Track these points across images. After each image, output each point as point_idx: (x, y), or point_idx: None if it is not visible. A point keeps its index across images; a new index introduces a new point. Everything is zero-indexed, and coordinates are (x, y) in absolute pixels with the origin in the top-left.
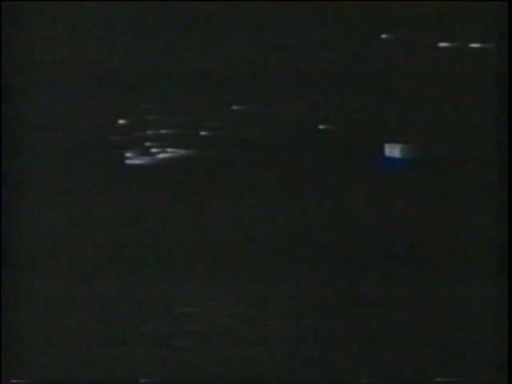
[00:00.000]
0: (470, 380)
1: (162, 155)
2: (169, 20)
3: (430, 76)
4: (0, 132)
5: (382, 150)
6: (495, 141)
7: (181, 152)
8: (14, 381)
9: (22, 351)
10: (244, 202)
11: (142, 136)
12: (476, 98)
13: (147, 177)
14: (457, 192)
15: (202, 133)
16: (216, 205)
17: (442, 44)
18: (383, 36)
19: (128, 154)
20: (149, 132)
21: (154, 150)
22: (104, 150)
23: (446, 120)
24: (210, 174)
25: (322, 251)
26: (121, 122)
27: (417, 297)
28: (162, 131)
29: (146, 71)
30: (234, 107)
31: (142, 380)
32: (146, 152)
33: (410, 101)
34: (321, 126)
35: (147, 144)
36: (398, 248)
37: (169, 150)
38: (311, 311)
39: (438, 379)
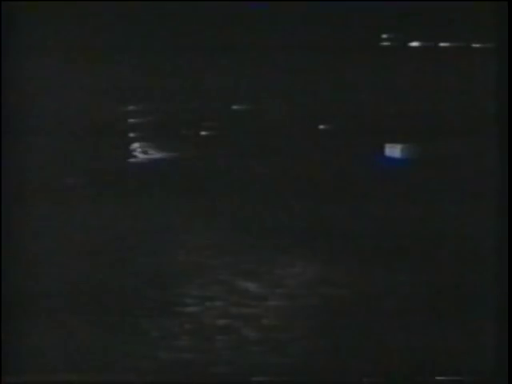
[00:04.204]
0: (469, 379)
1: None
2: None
3: (429, 76)
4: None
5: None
6: (495, 141)
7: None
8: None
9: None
10: (243, 202)
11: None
12: (475, 98)
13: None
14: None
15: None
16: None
17: (441, 44)
18: (383, 36)
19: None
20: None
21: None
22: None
23: (444, 120)
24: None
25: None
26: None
27: (416, 293)
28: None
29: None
30: (234, 107)
31: None
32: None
33: (409, 101)
34: (321, 126)
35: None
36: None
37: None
38: None
39: (437, 378)
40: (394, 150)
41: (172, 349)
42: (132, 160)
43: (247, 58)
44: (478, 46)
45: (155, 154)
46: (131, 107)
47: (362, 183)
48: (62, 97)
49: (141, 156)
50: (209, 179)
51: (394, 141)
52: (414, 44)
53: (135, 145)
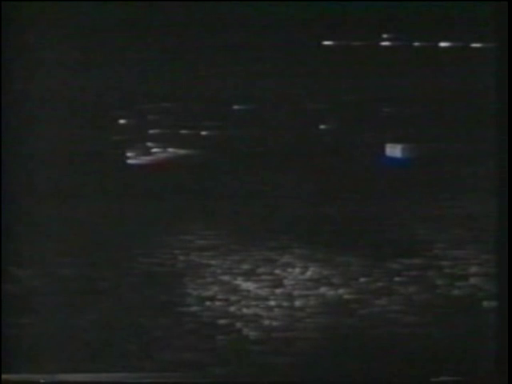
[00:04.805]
0: (469, 380)
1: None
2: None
3: (429, 75)
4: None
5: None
6: (495, 141)
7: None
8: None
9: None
10: (245, 204)
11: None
12: (475, 98)
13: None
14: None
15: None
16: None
17: (441, 44)
18: (384, 36)
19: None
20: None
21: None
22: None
23: (445, 120)
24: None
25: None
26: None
27: (415, 295)
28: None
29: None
30: (235, 107)
31: None
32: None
33: (409, 101)
34: (321, 126)
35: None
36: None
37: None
38: None
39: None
40: (394, 150)
41: (172, 349)
42: (133, 160)
43: (246, 58)
44: (477, 45)
45: (155, 154)
46: (132, 107)
47: (362, 183)
48: (61, 96)
49: (141, 156)
50: (209, 179)
51: (394, 141)
52: (414, 44)
53: (136, 145)
